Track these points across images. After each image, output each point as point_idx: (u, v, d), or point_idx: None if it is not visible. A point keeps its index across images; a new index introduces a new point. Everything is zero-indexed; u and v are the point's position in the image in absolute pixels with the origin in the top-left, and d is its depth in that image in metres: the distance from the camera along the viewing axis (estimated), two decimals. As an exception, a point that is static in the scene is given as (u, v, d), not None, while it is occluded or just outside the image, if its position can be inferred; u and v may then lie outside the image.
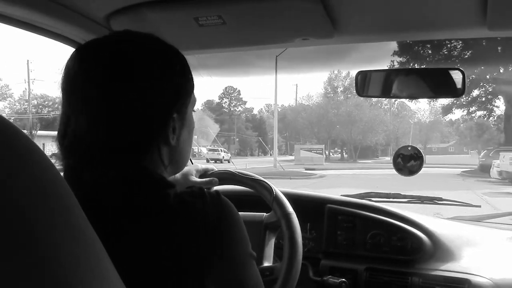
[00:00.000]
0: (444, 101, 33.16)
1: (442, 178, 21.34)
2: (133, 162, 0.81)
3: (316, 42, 1.51)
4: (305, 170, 28.26)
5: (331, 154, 61.71)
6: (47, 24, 1.34)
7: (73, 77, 0.82)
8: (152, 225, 0.76)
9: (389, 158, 55.59)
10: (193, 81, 0.93)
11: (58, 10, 1.28)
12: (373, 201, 1.91)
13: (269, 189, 1.38)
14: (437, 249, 1.63)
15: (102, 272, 0.55)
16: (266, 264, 1.38)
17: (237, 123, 74.58)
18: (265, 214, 1.45)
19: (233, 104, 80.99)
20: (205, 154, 52.50)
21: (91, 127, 0.80)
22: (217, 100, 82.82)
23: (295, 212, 1.35)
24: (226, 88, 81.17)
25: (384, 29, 1.45)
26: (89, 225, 0.56)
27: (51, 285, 0.47)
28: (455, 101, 31.40)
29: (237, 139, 72.61)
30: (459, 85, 1.48)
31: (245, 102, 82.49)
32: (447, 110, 34.26)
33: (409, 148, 2.09)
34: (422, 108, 75.61)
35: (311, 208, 1.77)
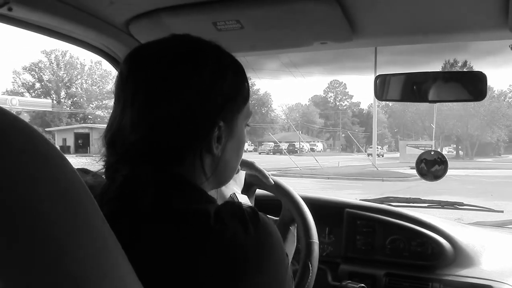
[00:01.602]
0: None
1: None
2: (169, 167, 0.80)
3: (335, 45, 1.51)
4: (411, 169, 24.88)
5: (444, 151, 53.28)
6: (67, 30, 1.36)
7: (123, 77, 0.82)
8: (183, 237, 0.71)
9: (514, 157, 47.81)
10: (247, 91, 0.89)
11: (78, 15, 1.29)
12: (392, 205, 1.89)
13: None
14: (458, 255, 1.60)
15: (119, 274, 0.56)
16: None
17: (343, 118, 70.56)
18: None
19: (339, 98, 76.37)
20: (308, 150, 50.88)
21: (133, 127, 0.79)
22: (322, 94, 78.42)
23: (314, 216, 1.34)
24: (331, 82, 76.64)
25: (404, 32, 1.44)
26: (107, 227, 0.56)
27: (63, 285, 0.49)
28: None
29: (343, 135, 68.77)
30: (480, 88, 1.46)
31: (351, 96, 77.71)
32: None
33: (432, 153, 2.06)
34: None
35: (330, 212, 1.76)
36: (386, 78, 1.59)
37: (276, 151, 52.69)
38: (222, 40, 1.45)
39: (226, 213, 0.76)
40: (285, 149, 52.46)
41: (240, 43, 1.53)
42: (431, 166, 2.04)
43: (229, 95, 0.85)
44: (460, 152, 51.96)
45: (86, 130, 44.53)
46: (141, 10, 1.32)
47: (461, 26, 1.38)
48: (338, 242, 1.77)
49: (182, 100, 0.79)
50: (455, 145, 55.67)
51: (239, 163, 0.95)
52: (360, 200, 1.89)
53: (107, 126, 0.84)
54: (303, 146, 56.48)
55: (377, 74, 1.60)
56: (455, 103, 40.57)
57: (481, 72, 1.46)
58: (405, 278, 1.61)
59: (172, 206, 0.75)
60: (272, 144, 56.25)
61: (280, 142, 55.70)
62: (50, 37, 1.34)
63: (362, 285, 1.59)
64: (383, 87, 1.59)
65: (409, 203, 2.06)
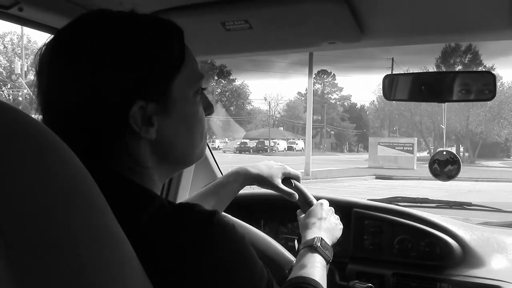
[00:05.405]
0: None
1: None
2: (98, 160, 0.74)
3: (343, 46, 1.51)
4: (376, 178, 20.48)
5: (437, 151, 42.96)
6: None
7: (41, 60, 0.79)
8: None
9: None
10: (177, 52, 0.80)
11: None
12: (400, 205, 1.89)
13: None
14: (466, 255, 1.59)
15: (129, 271, 0.56)
16: None
17: (331, 113, 63.14)
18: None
19: (326, 90, 66.40)
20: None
21: (54, 112, 0.76)
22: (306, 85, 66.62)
23: None
24: (318, 72, 64.91)
25: (412, 32, 1.44)
26: (117, 225, 0.56)
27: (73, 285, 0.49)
28: None
29: (332, 132, 61.52)
30: (489, 88, 1.46)
31: (341, 89, 67.33)
32: None
33: (444, 153, 2.05)
34: None
35: (337, 212, 1.75)
36: (394, 78, 1.60)
37: (243, 149, 45.84)
38: (231, 40, 1.47)
39: (169, 209, 0.72)
40: (252, 147, 46.21)
41: (249, 43, 1.53)
42: (444, 166, 2.03)
43: (146, 68, 0.75)
44: (462, 153, 41.90)
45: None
46: (150, 10, 1.32)
47: (469, 27, 1.38)
48: (345, 242, 1.76)
49: (88, 82, 0.73)
50: (451, 145, 44.52)
51: (194, 137, 0.85)
52: (368, 199, 1.88)
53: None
54: (277, 143, 50.17)
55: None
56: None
57: (490, 71, 1.47)
58: (413, 278, 1.61)
59: None
60: (238, 141, 49.59)
61: (259, 139, 51.39)
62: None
63: (370, 285, 1.58)
64: (391, 87, 1.59)
65: (417, 203, 2.06)
